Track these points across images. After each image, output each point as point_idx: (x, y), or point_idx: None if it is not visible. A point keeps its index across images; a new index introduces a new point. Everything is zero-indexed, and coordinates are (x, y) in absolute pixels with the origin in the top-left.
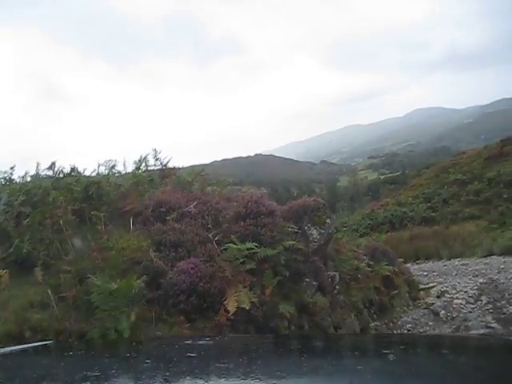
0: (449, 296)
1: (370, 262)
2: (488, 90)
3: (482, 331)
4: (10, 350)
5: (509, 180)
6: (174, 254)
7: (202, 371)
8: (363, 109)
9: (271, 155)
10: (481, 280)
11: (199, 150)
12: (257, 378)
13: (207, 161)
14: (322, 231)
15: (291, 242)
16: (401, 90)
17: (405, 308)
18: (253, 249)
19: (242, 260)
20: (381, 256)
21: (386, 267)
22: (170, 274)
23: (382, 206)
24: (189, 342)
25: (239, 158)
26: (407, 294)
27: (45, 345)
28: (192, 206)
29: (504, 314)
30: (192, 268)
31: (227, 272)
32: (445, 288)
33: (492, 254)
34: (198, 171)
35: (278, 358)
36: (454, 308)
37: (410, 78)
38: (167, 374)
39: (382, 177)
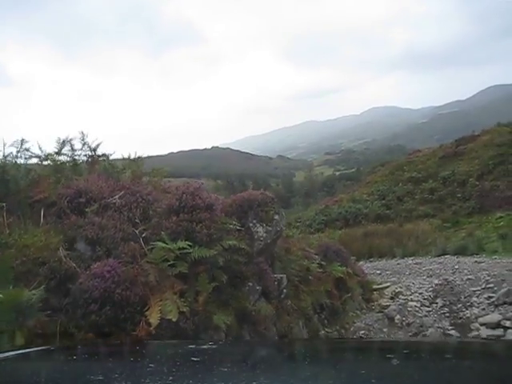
0: (403, 298)
1: (322, 262)
2: (442, 92)
3: None
4: (11, 354)
5: (463, 179)
6: (90, 253)
7: (206, 375)
8: (321, 105)
9: (228, 148)
10: (436, 281)
11: (155, 141)
12: (261, 383)
13: (163, 152)
14: (270, 228)
15: (232, 242)
16: (358, 88)
17: (358, 312)
18: (185, 248)
19: (171, 262)
20: (334, 255)
21: (339, 268)
22: (81, 279)
23: (336, 201)
24: (193, 346)
25: (196, 150)
26: (360, 297)
27: (48, 349)
28: (117, 196)
29: (461, 318)
30: (108, 271)
31: (151, 276)
32: (399, 289)
33: (446, 254)
34: (133, 159)
35: (282, 363)
36: (409, 311)
37: (368, 76)
38: (170, 378)
39: (338, 173)
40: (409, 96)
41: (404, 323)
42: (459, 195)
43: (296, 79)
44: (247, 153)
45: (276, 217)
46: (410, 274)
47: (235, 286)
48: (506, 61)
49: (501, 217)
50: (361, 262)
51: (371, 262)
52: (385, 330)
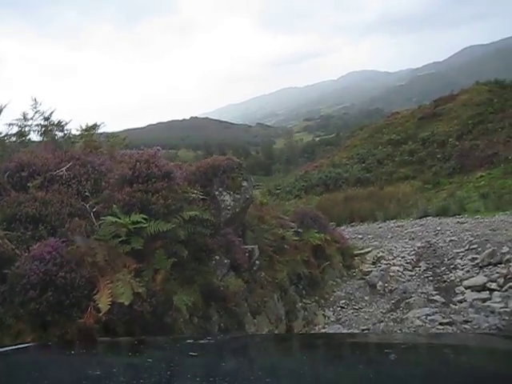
0: (385, 262)
1: (299, 230)
2: (419, 54)
3: (426, 311)
4: (9, 348)
5: (442, 140)
6: (31, 232)
7: (204, 370)
8: (298, 71)
9: (207, 118)
10: (418, 244)
11: (133, 114)
12: (259, 377)
13: (142, 124)
14: (238, 196)
15: (193, 212)
16: (335, 53)
17: (338, 280)
18: (140, 222)
19: (123, 238)
20: (311, 222)
21: (317, 235)
22: (19, 262)
23: (316, 167)
24: (190, 340)
25: (174, 121)
26: (341, 264)
27: (46, 343)
28: (65, 168)
29: (445, 282)
30: (48, 252)
31: (99, 255)
32: (381, 253)
33: (427, 215)
34: (86, 128)
35: (281, 357)
36: (391, 277)
37: (345, 40)
38: (168, 373)
39: (318, 139)
40: (386, 59)
41: (386, 290)
42: (439, 156)
43: (272, 46)
44: (226, 122)
45: (244, 183)
46: (392, 237)
47: (200, 261)
48: (480, 21)
49: (481, 176)
50: (342, 227)
51: (353, 226)
52: (366, 298)
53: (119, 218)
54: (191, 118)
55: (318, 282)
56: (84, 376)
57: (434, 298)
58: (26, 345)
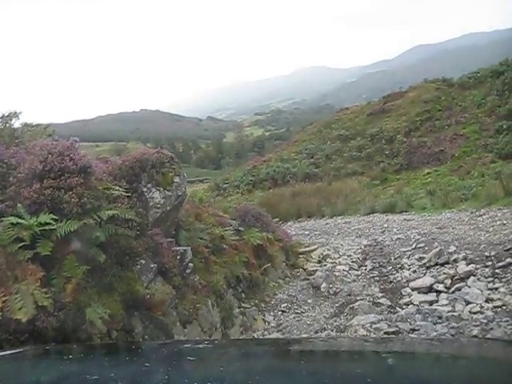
0: (331, 261)
1: (240, 229)
2: (370, 51)
3: (371, 318)
4: (7, 353)
5: (390, 136)
6: None
7: (202, 375)
8: (250, 65)
9: (157, 110)
10: (365, 242)
11: (82, 105)
12: (257, 382)
13: (91, 116)
14: (169, 193)
15: (111, 211)
16: (288, 48)
17: (281, 281)
18: (49, 224)
19: (27, 242)
20: (253, 220)
21: (258, 234)
22: None
23: (264, 161)
24: (188, 345)
25: (124, 113)
26: (284, 264)
27: (44, 348)
28: None
29: (391, 282)
30: None
31: None
32: (327, 251)
33: (375, 212)
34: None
35: (280, 362)
36: (336, 277)
37: (298, 35)
38: (166, 377)
39: (268, 133)
40: (338, 56)
41: (331, 291)
42: (387, 152)
43: (222, 37)
44: (177, 115)
45: (176, 179)
46: (338, 234)
47: (123, 266)
48: (429, 22)
49: (428, 173)
50: (289, 223)
51: (300, 222)
52: (309, 301)
53: (23, 219)
54: (141, 110)
55: (259, 285)
56: (79, 381)
57: (380, 300)
58: (23, 349)
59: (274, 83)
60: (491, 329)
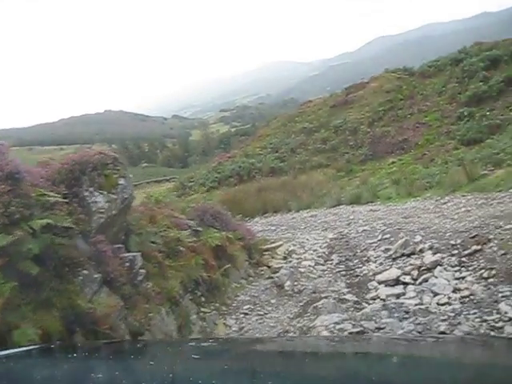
0: (297, 257)
1: (199, 229)
2: (332, 44)
3: (335, 317)
4: (11, 351)
5: (354, 127)
6: None
7: (207, 373)
8: (213, 62)
9: (121, 111)
10: (330, 235)
11: (43, 107)
12: (262, 381)
13: (53, 119)
14: (114, 197)
15: (44, 220)
16: (251, 43)
17: (243, 282)
18: None
19: None
20: (212, 220)
21: (217, 235)
22: None
23: (229, 158)
24: (193, 343)
25: (87, 115)
26: (247, 263)
27: (48, 347)
28: None
29: (357, 276)
30: None
31: None
32: (292, 247)
33: (341, 204)
34: None
35: (284, 361)
36: (301, 274)
37: (261, 30)
38: (171, 375)
39: (234, 129)
40: (301, 50)
41: (295, 290)
42: (351, 143)
43: (186, 36)
44: (141, 114)
45: (121, 181)
46: (305, 228)
47: (63, 278)
48: (390, 13)
49: (393, 162)
50: (256, 219)
51: (266, 217)
52: (273, 301)
53: None
54: (105, 111)
55: (219, 287)
56: (85, 379)
57: (346, 296)
58: (29, 348)
59: (238, 79)
60: (459, 323)
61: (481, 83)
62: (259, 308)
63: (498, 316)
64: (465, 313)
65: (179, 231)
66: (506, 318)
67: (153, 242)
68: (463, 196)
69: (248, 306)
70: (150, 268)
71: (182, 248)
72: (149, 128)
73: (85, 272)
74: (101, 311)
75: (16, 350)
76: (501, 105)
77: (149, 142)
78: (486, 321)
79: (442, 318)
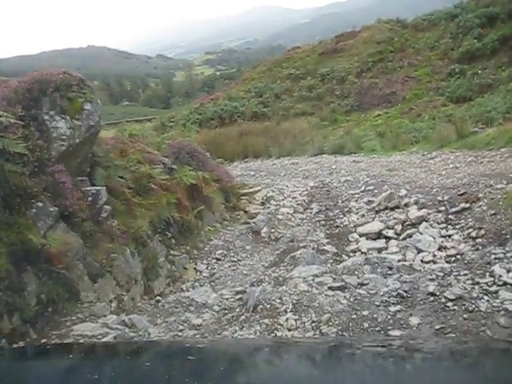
0: (275, 203)
1: (174, 167)
2: None
3: (314, 269)
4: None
5: (341, 76)
6: None
7: (203, 374)
8: (200, 3)
9: (105, 47)
10: (311, 183)
11: (24, 38)
12: (256, 381)
13: (34, 52)
14: (78, 123)
15: None
16: None
17: (218, 225)
18: None
19: None
20: (187, 158)
21: (191, 173)
22: None
23: (212, 100)
24: (189, 344)
25: (71, 49)
26: (223, 206)
27: (45, 346)
28: None
29: (337, 227)
30: None
31: None
32: (271, 193)
33: (323, 153)
34: None
35: (281, 362)
36: (279, 221)
37: None
38: (166, 376)
39: (219, 73)
40: None
41: (272, 237)
42: (338, 93)
43: None
44: (125, 52)
45: (87, 106)
46: (285, 175)
47: (13, 210)
48: None
49: (379, 115)
50: (235, 163)
51: (246, 162)
52: (248, 247)
53: None
54: (88, 46)
55: (192, 229)
56: (80, 380)
57: (325, 247)
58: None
59: (225, 22)
60: (449, 284)
61: (475, 40)
62: (233, 254)
63: (492, 279)
64: (455, 273)
65: (152, 167)
66: (501, 282)
67: (121, 177)
68: (452, 152)
69: (221, 251)
70: (116, 205)
71: (153, 185)
72: (132, 66)
73: (39, 204)
74: (56, 248)
75: (9, 347)
76: (493, 64)
77: (131, 81)
78: (478, 283)
79: (429, 277)
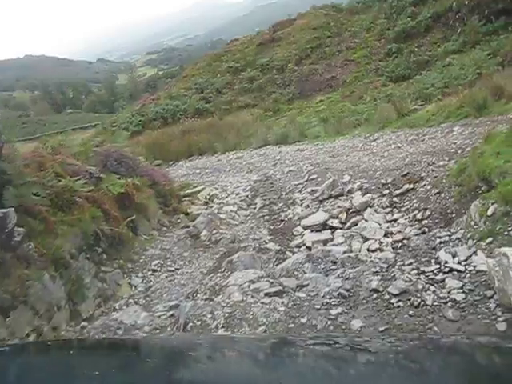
0: (218, 202)
1: (102, 176)
2: None
3: (251, 274)
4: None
5: (281, 65)
6: None
7: (204, 370)
8: (135, 4)
9: (43, 55)
10: (255, 177)
11: None
12: (260, 379)
13: None
14: None
15: None
16: None
17: (155, 233)
18: None
19: None
20: (115, 165)
21: (118, 181)
22: None
23: (153, 100)
24: (189, 340)
25: (7, 60)
26: (161, 211)
27: (44, 343)
28: None
29: (282, 221)
30: None
31: None
32: (214, 191)
33: (267, 144)
34: None
35: (282, 359)
36: (221, 220)
37: None
38: (167, 372)
39: (161, 72)
40: None
41: (212, 239)
42: (279, 82)
43: None
44: (64, 59)
45: None
46: (230, 170)
47: None
48: None
49: (321, 100)
50: (180, 162)
51: (191, 161)
52: (186, 254)
53: None
54: (26, 56)
55: (124, 241)
56: (80, 376)
57: (268, 245)
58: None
59: (164, 21)
60: (393, 277)
61: (409, 19)
62: (170, 263)
63: (438, 267)
64: (399, 263)
65: (73, 180)
66: (447, 269)
67: (35, 195)
68: (393, 132)
69: (157, 262)
70: (34, 225)
71: (78, 199)
72: (73, 73)
73: None
74: None
75: (9, 345)
76: (429, 41)
77: (73, 88)
78: (423, 272)
79: (373, 269)
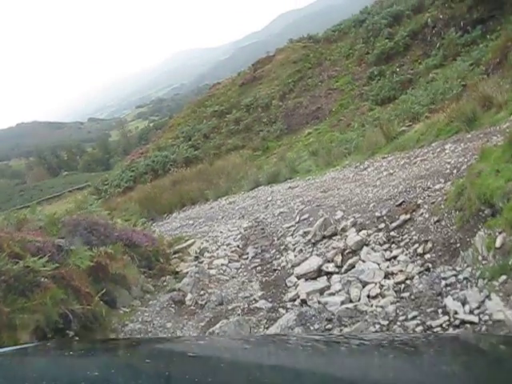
0: (209, 255)
1: (72, 248)
2: (238, 26)
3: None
4: (9, 349)
5: (265, 103)
6: None
7: (203, 371)
8: (120, 60)
9: (35, 121)
10: (245, 223)
11: None
12: (259, 379)
13: None
14: None
15: None
16: (154, 36)
17: (136, 303)
18: None
19: None
20: (86, 234)
21: (87, 254)
22: None
23: (142, 154)
24: (189, 341)
25: (0, 131)
26: (144, 276)
27: (44, 344)
28: None
29: (275, 271)
30: None
31: None
32: (205, 243)
33: (259, 185)
34: None
35: (282, 359)
36: (211, 277)
37: (161, 22)
38: (167, 373)
39: (152, 124)
40: (208, 36)
41: (199, 303)
42: (265, 120)
43: (88, 37)
44: (56, 122)
45: None
46: (222, 217)
47: None
48: None
49: (309, 133)
50: (174, 214)
51: (184, 211)
52: (169, 324)
53: None
54: (18, 124)
55: (98, 318)
56: (80, 377)
57: (258, 304)
58: (24, 346)
59: (149, 74)
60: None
61: (386, 40)
62: (153, 336)
63: (446, 319)
64: (401, 317)
65: (34, 259)
66: (457, 321)
67: None
68: (383, 158)
69: (140, 336)
70: None
71: (43, 279)
72: (66, 135)
73: None
74: None
75: (12, 348)
76: (409, 59)
77: (67, 150)
78: (430, 327)
79: (372, 328)
